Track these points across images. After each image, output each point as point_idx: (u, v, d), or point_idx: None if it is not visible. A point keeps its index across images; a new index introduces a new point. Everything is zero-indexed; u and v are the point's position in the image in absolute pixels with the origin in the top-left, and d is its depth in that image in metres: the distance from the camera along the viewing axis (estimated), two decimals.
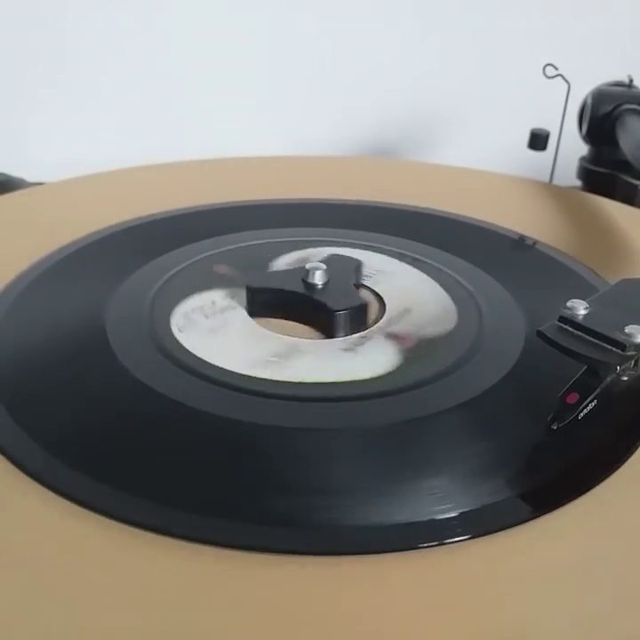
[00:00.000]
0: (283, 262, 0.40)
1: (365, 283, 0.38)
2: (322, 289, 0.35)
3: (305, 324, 0.35)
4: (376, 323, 0.35)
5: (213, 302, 0.36)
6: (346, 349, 0.33)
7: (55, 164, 0.54)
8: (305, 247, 0.41)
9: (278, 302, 0.35)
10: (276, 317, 0.35)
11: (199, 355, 0.32)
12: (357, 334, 0.34)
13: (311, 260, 0.38)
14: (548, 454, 0.28)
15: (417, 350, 0.33)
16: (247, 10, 0.64)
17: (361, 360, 0.32)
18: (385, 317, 0.35)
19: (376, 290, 0.37)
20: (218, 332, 0.34)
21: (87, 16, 0.61)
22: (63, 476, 0.26)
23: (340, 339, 0.34)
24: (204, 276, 0.38)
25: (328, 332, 0.34)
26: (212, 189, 0.49)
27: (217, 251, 0.41)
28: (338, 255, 0.39)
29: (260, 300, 0.35)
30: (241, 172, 0.53)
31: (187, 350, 0.32)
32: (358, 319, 0.35)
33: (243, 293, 0.36)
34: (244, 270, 0.38)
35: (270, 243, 0.42)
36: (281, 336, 0.34)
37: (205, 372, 0.31)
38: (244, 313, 0.35)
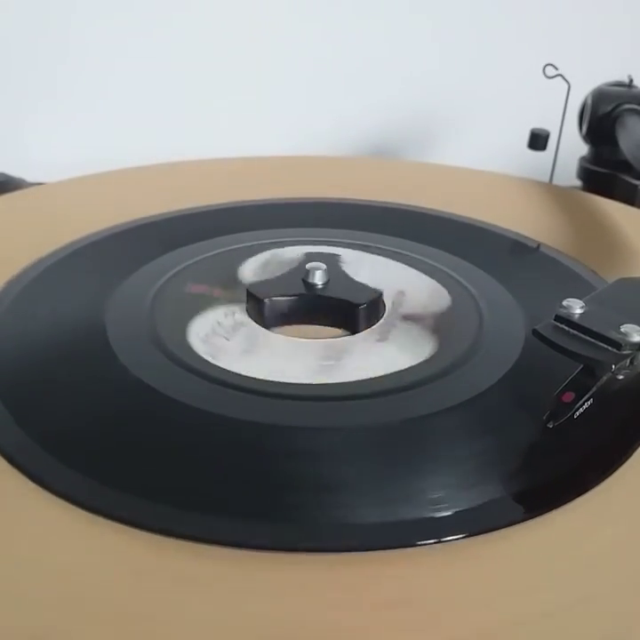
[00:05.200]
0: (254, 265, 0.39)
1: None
2: (327, 287, 0.35)
3: (320, 324, 0.35)
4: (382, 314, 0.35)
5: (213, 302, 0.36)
6: (379, 340, 0.33)
7: (55, 165, 0.54)
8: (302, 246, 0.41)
9: (290, 308, 0.35)
10: (289, 324, 0.35)
11: (201, 354, 0.32)
12: (378, 324, 0.34)
13: (279, 259, 0.38)
14: (546, 454, 0.28)
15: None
16: (247, 10, 0.64)
17: (399, 348, 0.33)
18: (387, 310, 0.35)
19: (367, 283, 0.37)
20: (221, 331, 0.34)
21: (87, 16, 0.61)
22: (62, 475, 0.26)
23: (367, 331, 0.34)
24: (203, 277, 0.38)
25: (351, 327, 0.34)
26: (211, 189, 0.49)
27: (217, 251, 0.41)
28: (317, 253, 0.39)
29: (271, 311, 0.35)
30: (241, 172, 0.53)
31: (188, 349, 0.32)
32: (377, 311, 0.35)
33: (243, 293, 0.36)
34: (245, 273, 0.38)
35: (269, 243, 0.42)
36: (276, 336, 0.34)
37: (208, 372, 0.31)
38: (249, 318, 0.35)
